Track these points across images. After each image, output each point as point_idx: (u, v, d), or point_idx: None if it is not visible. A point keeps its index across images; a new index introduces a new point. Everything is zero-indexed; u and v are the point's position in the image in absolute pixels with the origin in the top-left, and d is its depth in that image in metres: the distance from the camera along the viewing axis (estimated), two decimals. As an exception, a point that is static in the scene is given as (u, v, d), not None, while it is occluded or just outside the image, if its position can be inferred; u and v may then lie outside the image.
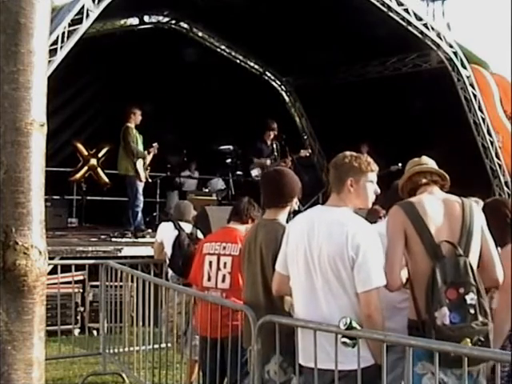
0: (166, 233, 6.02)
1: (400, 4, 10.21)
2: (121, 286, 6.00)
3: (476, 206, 3.18)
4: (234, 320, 3.86)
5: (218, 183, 11.97)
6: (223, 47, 13.88)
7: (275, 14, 10.99)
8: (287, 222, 3.63)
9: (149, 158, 9.36)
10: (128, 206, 9.31)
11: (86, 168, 12.60)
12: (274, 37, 11.58)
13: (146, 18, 13.25)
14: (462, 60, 10.97)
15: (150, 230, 9.60)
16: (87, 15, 7.98)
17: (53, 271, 6.01)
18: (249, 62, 14.13)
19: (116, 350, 5.99)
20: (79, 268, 6.86)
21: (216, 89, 12.83)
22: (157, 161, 9.88)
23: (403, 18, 10.33)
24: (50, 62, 7.15)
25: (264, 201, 3.76)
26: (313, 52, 11.61)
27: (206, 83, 12.70)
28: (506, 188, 11.66)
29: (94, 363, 6.40)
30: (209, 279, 4.28)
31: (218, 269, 4.22)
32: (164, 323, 5.45)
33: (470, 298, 2.87)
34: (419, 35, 10.62)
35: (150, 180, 9.82)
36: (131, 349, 5.67)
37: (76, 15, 7.90)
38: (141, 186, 9.21)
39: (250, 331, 3.48)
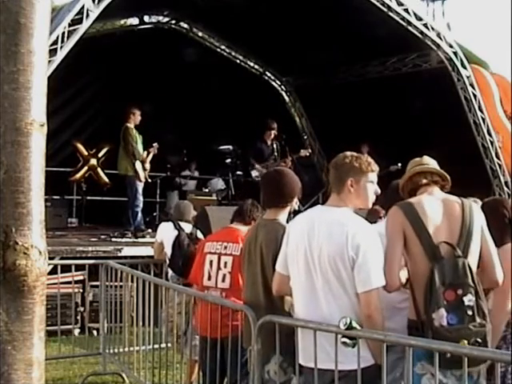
0: (166, 233, 6.01)
1: (400, 4, 10.21)
2: (121, 286, 6.00)
3: (476, 206, 3.17)
4: (233, 320, 3.86)
5: (218, 183, 11.97)
6: (223, 47, 13.88)
7: (275, 14, 10.99)
8: (287, 222, 3.63)
9: (149, 158, 9.37)
10: (128, 206, 9.31)
11: (86, 168, 12.60)
12: (273, 37, 11.58)
13: (146, 18, 13.25)
14: (462, 60, 10.97)
15: (149, 230, 9.61)
16: (87, 15, 7.99)
17: (53, 271, 6.01)
18: (249, 62, 14.13)
19: (116, 350, 5.98)
20: (79, 268, 6.86)
21: (216, 89, 12.83)
22: (157, 161, 9.89)
23: (403, 18, 10.33)
24: (50, 62, 7.15)
25: (264, 201, 3.76)
26: (313, 52, 11.61)
27: (206, 83, 12.70)
28: (506, 188, 11.67)
29: (94, 363, 6.39)
30: (209, 278, 4.28)
31: (219, 268, 4.22)
32: (164, 323, 5.44)
33: (468, 300, 2.86)
34: (419, 35, 10.62)
35: (149, 180, 9.83)
36: (131, 349, 5.67)
37: (76, 15, 7.90)
38: (140, 185, 9.21)
39: (249, 331, 3.48)
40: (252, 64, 14.17)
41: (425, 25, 10.60)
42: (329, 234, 2.98)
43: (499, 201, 3.97)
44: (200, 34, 13.70)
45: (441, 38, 10.86)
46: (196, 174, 12.85)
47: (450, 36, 11.28)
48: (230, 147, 11.05)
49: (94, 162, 12.64)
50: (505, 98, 12.23)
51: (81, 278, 7.12)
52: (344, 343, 2.84)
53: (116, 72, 12.38)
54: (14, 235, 2.25)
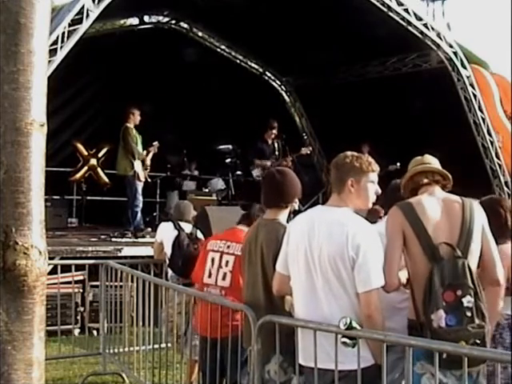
0: (166, 233, 6.01)
1: (400, 4, 10.21)
2: (121, 286, 6.00)
3: (478, 205, 3.15)
4: (233, 320, 3.86)
5: (218, 183, 11.96)
6: (223, 47, 13.88)
7: (275, 14, 10.99)
8: (287, 222, 3.63)
9: (149, 157, 9.38)
10: (128, 206, 9.31)
11: (85, 168, 12.60)
12: (274, 37, 11.58)
13: (146, 18, 13.25)
14: (462, 60, 10.97)
15: (149, 230, 9.61)
16: (87, 15, 7.99)
17: (53, 271, 6.00)
18: (249, 62, 14.13)
19: (116, 350, 5.98)
20: (79, 268, 6.86)
21: (216, 89, 12.83)
22: (157, 161, 9.89)
23: (403, 18, 10.33)
24: (50, 61, 7.15)
25: (265, 200, 3.76)
26: (313, 52, 11.61)
27: (206, 83, 12.70)
28: (506, 188, 11.67)
29: (94, 363, 6.39)
30: (209, 276, 4.27)
31: (220, 266, 4.21)
32: (164, 323, 5.44)
33: (467, 301, 2.85)
34: (419, 35, 10.62)
35: (149, 180, 9.83)
36: (131, 349, 5.67)
37: (76, 15, 7.90)
38: (140, 185, 9.21)
39: (249, 331, 3.48)
40: (252, 64, 14.17)
41: (425, 25, 10.60)
42: (329, 233, 2.98)
43: (496, 200, 3.95)
44: (200, 33, 13.70)
45: (441, 38, 10.86)
46: (196, 173, 12.85)
47: (449, 36, 11.28)
48: (230, 146, 11.06)
49: (93, 162, 12.64)
50: (505, 98, 12.23)
51: (81, 277, 7.12)
52: (344, 343, 2.84)
53: (116, 72, 12.38)
54: (14, 235, 2.25)
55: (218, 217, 6.81)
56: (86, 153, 12.62)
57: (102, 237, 9.52)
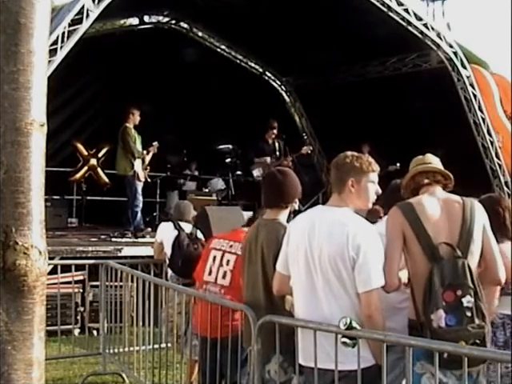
0: (166, 233, 6.01)
1: (400, 4, 10.21)
2: (121, 286, 6.00)
3: (478, 205, 3.14)
4: (233, 320, 3.86)
5: (218, 183, 11.97)
6: (223, 47, 13.88)
7: (275, 14, 10.99)
8: (287, 222, 3.63)
9: (148, 157, 9.38)
10: (127, 206, 9.31)
11: (85, 168, 12.61)
12: (274, 37, 11.58)
13: (146, 18, 13.26)
14: (462, 60, 10.98)
15: (149, 230, 9.61)
16: (87, 15, 7.99)
17: (53, 271, 6.00)
18: (249, 62, 14.14)
19: (116, 350, 5.98)
20: (79, 268, 6.85)
21: (216, 89, 12.84)
22: (157, 161, 9.89)
23: (403, 18, 10.33)
24: (50, 62, 7.15)
25: (265, 200, 3.76)
26: (313, 52, 11.61)
27: (206, 83, 12.70)
28: (506, 188, 11.67)
29: (94, 363, 6.39)
30: (209, 273, 4.27)
31: (221, 265, 4.20)
32: (164, 323, 5.44)
33: (467, 301, 2.85)
34: (419, 35, 10.62)
35: (149, 180, 9.83)
36: (131, 349, 5.67)
37: (76, 15, 7.90)
38: (140, 185, 9.22)
39: (250, 331, 3.48)
40: (252, 64, 14.17)
41: (425, 25, 10.60)
42: (329, 234, 2.98)
43: (495, 199, 3.95)
44: (200, 33, 13.70)
45: (441, 38, 10.86)
46: (196, 173, 12.86)
47: (449, 36, 11.29)
48: (230, 146, 11.06)
49: (93, 161, 12.64)
50: (505, 98, 12.23)
51: (81, 277, 7.12)
52: (344, 343, 2.84)
53: (116, 72, 12.38)
54: (14, 235, 2.25)
55: (218, 217, 6.81)
56: (86, 153, 12.62)
57: (102, 237, 9.52)
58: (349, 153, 3.17)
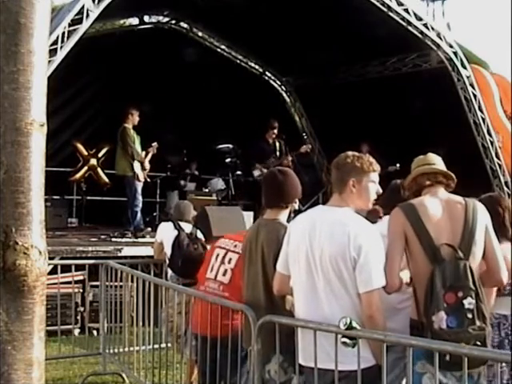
0: (166, 233, 6.01)
1: (400, 4, 10.21)
2: (121, 286, 6.00)
3: (481, 206, 3.13)
4: (233, 319, 3.85)
5: (218, 183, 11.96)
6: (223, 47, 13.87)
7: (275, 14, 10.99)
8: (288, 221, 3.63)
9: (148, 158, 9.38)
10: (127, 206, 9.31)
11: (85, 168, 12.61)
12: (274, 37, 11.58)
13: (146, 18, 13.25)
14: (462, 60, 10.97)
15: (149, 230, 9.61)
16: (87, 15, 7.98)
17: (53, 271, 6.00)
18: (249, 62, 14.13)
19: (116, 350, 5.98)
20: (79, 268, 6.85)
21: (216, 89, 12.83)
22: (157, 161, 9.89)
23: (403, 18, 10.33)
24: (50, 61, 7.15)
25: (265, 200, 3.76)
26: (313, 52, 11.60)
27: (206, 83, 12.69)
28: (506, 188, 11.66)
29: (94, 363, 6.39)
30: (211, 270, 4.27)
31: (222, 262, 4.20)
32: (164, 323, 5.44)
33: (468, 303, 2.85)
34: (419, 35, 10.62)
35: (149, 180, 9.83)
36: (131, 349, 5.67)
37: (76, 15, 7.90)
38: (139, 185, 9.21)
39: (250, 331, 3.48)
40: (252, 64, 14.17)
41: (425, 25, 10.60)
42: (330, 234, 2.98)
43: (495, 199, 3.93)
44: (200, 33, 13.70)
45: (441, 38, 10.86)
46: (196, 173, 12.85)
47: (449, 36, 11.28)
48: (230, 146, 11.06)
49: (93, 162, 12.64)
50: (505, 98, 12.22)
51: (81, 277, 7.12)
52: (344, 343, 2.84)
53: (116, 72, 12.38)
54: (14, 235, 2.25)
55: (218, 217, 6.79)
56: (85, 153, 12.62)
57: (102, 237, 9.51)
58: (350, 153, 3.17)
